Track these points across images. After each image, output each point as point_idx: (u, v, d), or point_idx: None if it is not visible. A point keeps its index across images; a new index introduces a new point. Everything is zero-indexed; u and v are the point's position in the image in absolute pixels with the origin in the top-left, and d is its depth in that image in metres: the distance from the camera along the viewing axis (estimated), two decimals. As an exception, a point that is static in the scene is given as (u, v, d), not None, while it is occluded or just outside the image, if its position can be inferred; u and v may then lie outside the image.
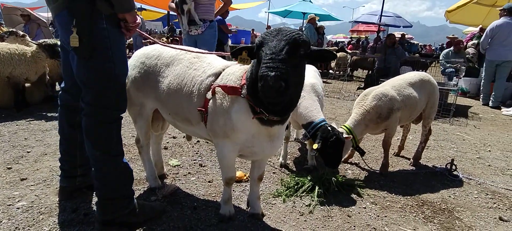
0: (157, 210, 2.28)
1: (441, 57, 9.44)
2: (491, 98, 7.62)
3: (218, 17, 9.11)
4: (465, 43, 10.89)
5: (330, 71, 12.65)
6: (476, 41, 10.35)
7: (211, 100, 1.97)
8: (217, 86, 1.95)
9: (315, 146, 2.61)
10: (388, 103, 3.00)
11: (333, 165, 2.73)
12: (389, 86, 3.16)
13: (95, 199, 2.31)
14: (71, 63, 1.89)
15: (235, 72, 2.01)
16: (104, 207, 2.01)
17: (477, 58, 9.71)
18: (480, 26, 10.43)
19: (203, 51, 2.35)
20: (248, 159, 2.28)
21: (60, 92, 2.23)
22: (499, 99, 7.57)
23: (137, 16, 1.91)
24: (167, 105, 2.20)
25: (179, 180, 2.90)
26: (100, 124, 1.90)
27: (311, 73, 3.34)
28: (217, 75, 2.04)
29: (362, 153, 3.00)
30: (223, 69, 2.07)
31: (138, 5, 20.32)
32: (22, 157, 3.14)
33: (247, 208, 2.45)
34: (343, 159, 3.58)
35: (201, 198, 2.60)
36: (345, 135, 2.77)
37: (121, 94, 1.96)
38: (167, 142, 3.83)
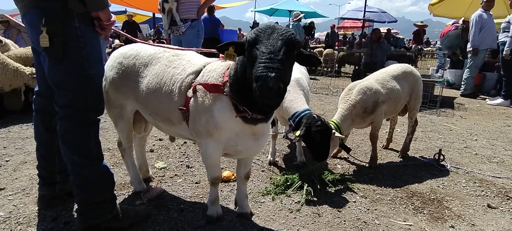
0: (142, 214, 2.20)
1: (439, 44, 9.62)
2: (462, 85, 7.86)
3: (214, 16, 9.06)
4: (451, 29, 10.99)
5: (319, 68, 12.68)
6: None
7: (192, 99, 1.91)
8: (198, 84, 1.89)
9: (297, 133, 2.54)
10: (373, 97, 2.99)
11: (320, 156, 2.62)
12: (373, 79, 3.16)
13: (76, 207, 2.21)
14: (43, 65, 1.80)
15: (216, 69, 1.95)
16: (85, 213, 1.92)
17: (462, 50, 9.88)
18: (463, 18, 10.59)
19: (185, 49, 2.29)
20: (233, 157, 2.23)
21: (34, 96, 2.13)
22: (471, 86, 7.77)
23: (111, 15, 1.84)
24: (147, 106, 2.13)
25: (165, 182, 2.82)
26: (77, 127, 1.82)
27: (297, 68, 3.31)
28: (197, 72, 1.98)
29: (348, 150, 2.98)
30: (204, 66, 2.01)
31: (123, 8, 20.09)
32: (0, 166, 3.01)
33: (235, 208, 2.40)
34: (332, 154, 3.57)
35: (188, 200, 2.53)
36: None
37: (97, 95, 1.87)
38: (153, 145, 3.74)
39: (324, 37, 23.59)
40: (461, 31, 9.05)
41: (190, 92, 1.92)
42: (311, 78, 10.13)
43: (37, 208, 2.29)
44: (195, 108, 1.90)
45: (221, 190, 2.69)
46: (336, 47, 14.63)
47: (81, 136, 1.84)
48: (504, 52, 6.85)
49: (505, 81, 7.03)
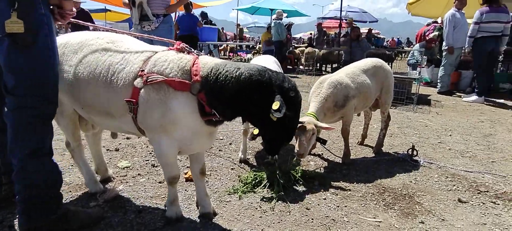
0: (94, 216, 2.03)
1: (413, 51, 9.82)
2: (438, 83, 7.99)
3: (192, 14, 8.85)
4: (427, 36, 11.24)
5: (301, 67, 12.68)
6: (437, 33, 10.70)
7: (143, 90, 1.74)
8: (162, 78, 1.71)
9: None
10: (344, 91, 2.91)
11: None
12: (343, 74, 3.09)
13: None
14: None
15: (174, 60, 1.79)
16: (28, 213, 1.76)
17: (439, 49, 10.07)
18: (440, 17, 10.79)
19: (121, 31, 2.16)
20: (182, 154, 2.09)
21: None
22: (447, 84, 7.91)
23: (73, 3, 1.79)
24: (79, 98, 1.94)
25: (127, 182, 2.65)
26: (36, 120, 1.69)
27: (271, 62, 3.21)
28: (145, 61, 1.82)
29: (324, 142, 2.89)
30: (153, 54, 1.85)
31: (102, 5, 19.54)
32: None
33: (197, 208, 2.26)
34: (309, 150, 3.47)
35: (149, 200, 2.37)
36: (307, 123, 2.61)
37: (56, 87, 1.76)
38: (119, 143, 3.55)
39: (307, 37, 23.75)
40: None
41: (139, 83, 1.75)
42: (292, 77, 10.12)
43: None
44: (146, 100, 1.74)
45: (186, 189, 2.55)
46: (319, 46, 14.68)
47: (40, 129, 1.72)
48: (466, 50, 7.04)
49: (476, 78, 7.18)
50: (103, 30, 2.17)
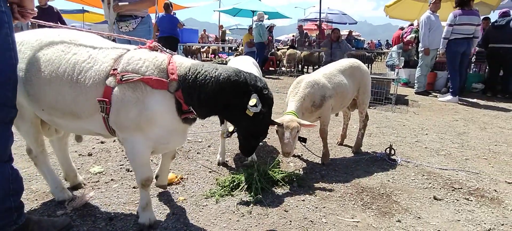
0: (60, 225, 1.91)
1: (391, 53, 10.03)
2: (416, 84, 8.20)
3: (171, 15, 8.67)
4: (404, 39, 11.55)
5: (283, 68, 12.74)
6: (414, 35, 11.01)
7: (117, 89, 1.71)
8: (139, 77, 1.71)
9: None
10: (321, 91, 2.91)
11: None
12: (320, 74, 3.09)
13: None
14: None
15: (148, 58, 1.81)
16: None
17: (416, 51, 10.36)
18: (416, 20, 11.11)
19: (82, 30, 2.10)
20: (155, 154, 2.03)
21: None
22: (424, 84, 8.16)
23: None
24: (39, 99, 1.84)
25: (99, 188, 2.53)
26: None
27: (250, 63, 3.19)
28: (115, 59, 1.77)
29: (304, 140, 2.88)
30: (124, 53, 1.81)
31: (79, 6, 18.97)
32: None
33: (171, 211, 2.18)
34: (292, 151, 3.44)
35: (121, 207, 2.27)
36: (290, 121, 2.58)
37: (15, 89, 1.65)
38: (93, 148, 3.41)
39: (289, 39, 23.92)
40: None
41: (111, 82, 1.71)
42: (274, 79, 10.14)
43: None
44: (121, 99, 1.72)
45: (161, 195, 2.46)
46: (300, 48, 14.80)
47: (1, 134, 1.59)
48: (440, 51, 7.30)
49: (450, 79, 7.41)
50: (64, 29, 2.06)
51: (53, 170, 2.26)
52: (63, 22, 6.96)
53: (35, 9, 1.73)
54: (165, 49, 1.97)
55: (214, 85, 1.77)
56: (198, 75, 1.79)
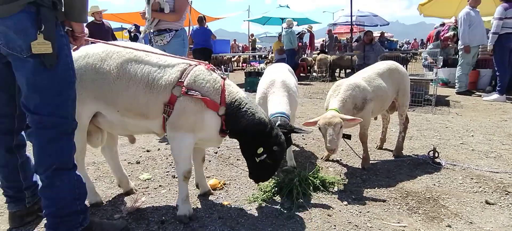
0: (119, 227, 2.07)
1: (427, 51, 9.66)
2: (456, 84, 7.82)
3: (205, 27, 9.01)
4: (442, 36, 11.05)
5: (314, 73, 12.65)
6: (452, 33, 10.50)
7: (182, 98, 2.03)
8: (200, 97, 2.04)
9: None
10: (362, 93, 2.90)
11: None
12: (360, 77, 3.08)
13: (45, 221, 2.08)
14: (18, 75, 1.70)
15: (209, 80, 2.12)
16: (55, 227, 1.81)
17: (455, 49, 9.86)
18: (454, 17, 10.59)
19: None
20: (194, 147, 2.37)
21: None
22: (465, 83, 7.72)
23: (84, 27, 1.90)
24: (116, 103, 2.08)
25: (149, 194, 2.69)
26: (61, 136, 1.77)
27: (284, 69, 3.24)
28: (181, 72, 2.09)
29: (348, 137, 2.91)
30: (188, 66, 2.13)
31: (118, 24, 20.13)
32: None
33: (219, 217, 2.27)
34: (324, 158, 3.45)
35: (171, 211, 2.40)
36: (333, 117, 2.59)
37: (75, 104, 1.86)
38: (140, 156, 3.62)
39: (319, 44, 23.70)
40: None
41: (177, 91, 2.02)
42: (305, 84, 10.10)
43: (8, 227, 2.16)
44: (183, 108, 2.04)
45: (208, 201, 2.57)
46: (331, 52, 14.63)
47: (65, 144, 1.80)
48: (488, 47, 6.90)
49: (498, 76, 6.97)
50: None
51: (87, 175, 2.41)
52: (114, 38, 7.53)
53: (86, 30, 1.95)
54: (217, 70, 2.28)
55: (247, 121, 2.14)
56: (240, 108, 2.15)
